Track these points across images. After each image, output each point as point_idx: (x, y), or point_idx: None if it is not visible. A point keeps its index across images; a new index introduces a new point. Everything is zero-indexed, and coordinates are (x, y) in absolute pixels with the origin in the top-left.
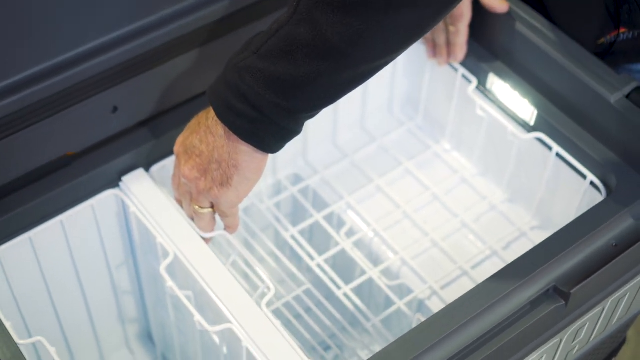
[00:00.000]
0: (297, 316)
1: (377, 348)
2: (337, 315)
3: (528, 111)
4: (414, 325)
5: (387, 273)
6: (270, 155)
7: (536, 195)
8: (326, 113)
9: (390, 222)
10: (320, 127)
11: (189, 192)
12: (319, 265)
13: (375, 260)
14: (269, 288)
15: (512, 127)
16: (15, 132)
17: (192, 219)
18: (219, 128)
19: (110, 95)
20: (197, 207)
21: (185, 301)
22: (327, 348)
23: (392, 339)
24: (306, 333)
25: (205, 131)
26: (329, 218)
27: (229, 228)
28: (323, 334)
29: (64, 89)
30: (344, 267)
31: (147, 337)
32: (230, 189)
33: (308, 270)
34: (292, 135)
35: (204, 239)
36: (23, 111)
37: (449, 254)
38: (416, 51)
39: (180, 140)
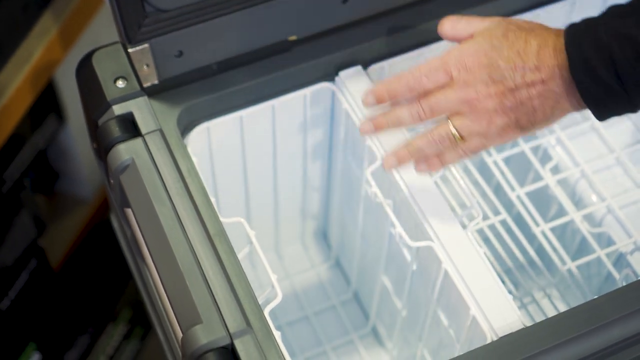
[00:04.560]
0: (486, 240)
1: (555, 292)
2: (531, 252)
3: None
4: (617, 279)
5: (589, 218)
6: None
7: None
8: None
9: (601, 166)
10: None
11: (446, 107)
12: (518, 197)
13: (578, 203)
14: (477, 212)
15: None
16: (243, 8)
17: (412, 145)
18: (555, 84)
19: None
20: (458, 135)
21: (389, 211)
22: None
23: (581, 286)
24: (495, 261)
25: (533, 73)
26: (534, 150)
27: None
28: (511, 264)
29: None
30: (543, 203)
31: (322, 236)
32: (520, 132)
33: (506, 200)
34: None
35: None
36: None
37: None
38: None
39: (473, 50)
